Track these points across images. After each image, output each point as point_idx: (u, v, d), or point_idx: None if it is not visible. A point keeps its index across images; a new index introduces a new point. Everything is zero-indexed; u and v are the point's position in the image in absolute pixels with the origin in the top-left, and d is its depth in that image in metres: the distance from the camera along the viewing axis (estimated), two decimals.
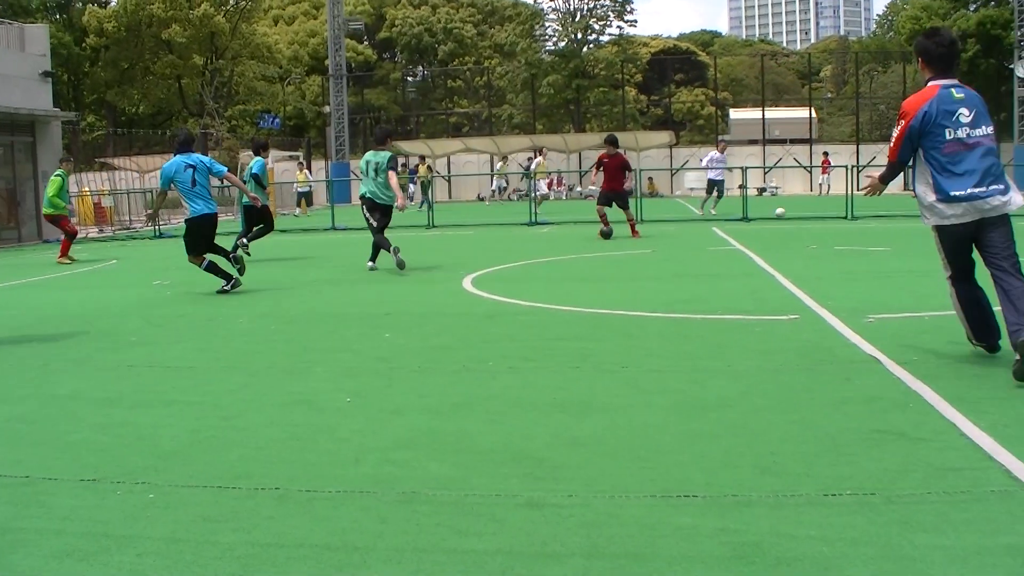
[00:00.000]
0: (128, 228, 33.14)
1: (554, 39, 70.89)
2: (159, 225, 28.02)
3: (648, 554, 3.85)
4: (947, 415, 5.77)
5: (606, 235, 20.71)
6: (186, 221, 13.41)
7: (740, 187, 28.45)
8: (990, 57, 51.63)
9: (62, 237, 21.07)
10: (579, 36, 67.41)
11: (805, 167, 47.42)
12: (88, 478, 5.08)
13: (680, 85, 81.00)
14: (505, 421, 5.99)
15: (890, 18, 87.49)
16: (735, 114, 67.00)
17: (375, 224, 15.16)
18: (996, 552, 3.76)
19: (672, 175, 51.14)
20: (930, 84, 7.11)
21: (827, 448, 5.20)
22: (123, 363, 8.37)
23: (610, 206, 20.91)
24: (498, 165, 52.54)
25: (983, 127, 6.98)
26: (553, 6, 68.85)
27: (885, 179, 7.64)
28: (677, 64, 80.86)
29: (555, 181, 50.51)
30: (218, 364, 8.25)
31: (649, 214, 27.18)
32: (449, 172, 55.33)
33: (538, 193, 37.20)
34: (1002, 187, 6.91)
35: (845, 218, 26.10)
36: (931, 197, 7.02)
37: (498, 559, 3.83)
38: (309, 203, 40.16)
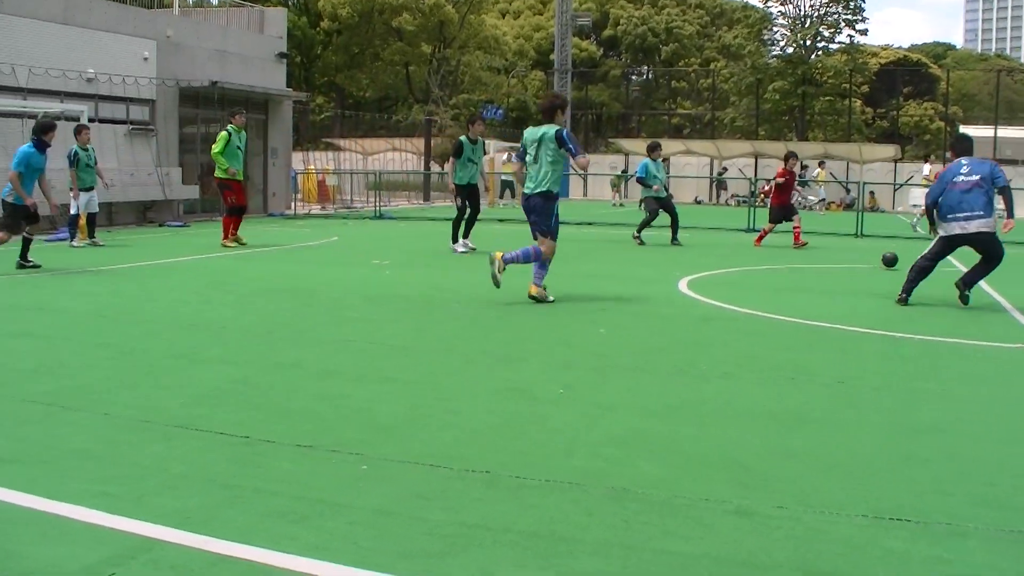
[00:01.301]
0: (349, 207, 34.00)
1: (782, 44, 69.79)
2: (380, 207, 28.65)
3: (857, 574, 3.79)
4: None
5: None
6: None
7: None
8: None
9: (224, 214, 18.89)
10: (807, 42, 66.17)
11: None
12: (305, 444, 5.28)
13: (908, 98, 78.78)
14: (717, 427, 5.96)
15: None
16: (964, 130, 64.79)
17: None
18: None
19: (895, 190, 49.78)
20: None
21: None
22: (343, 338, 8.64)
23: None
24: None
25: None
26: (783, 11, 67.68)
27: None
28: (907, 76, 78.55)
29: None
30: (435, 346, 8.43)
31: (870, 229, 26.57)
32: (669, 173, 55.01)
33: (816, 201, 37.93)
34: None
35: None
36: None
37: (704, 563, 3.83)
38: (513, 194, 40.42)
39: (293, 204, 31.65)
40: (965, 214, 11.49)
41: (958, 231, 11.58)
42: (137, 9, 26.74)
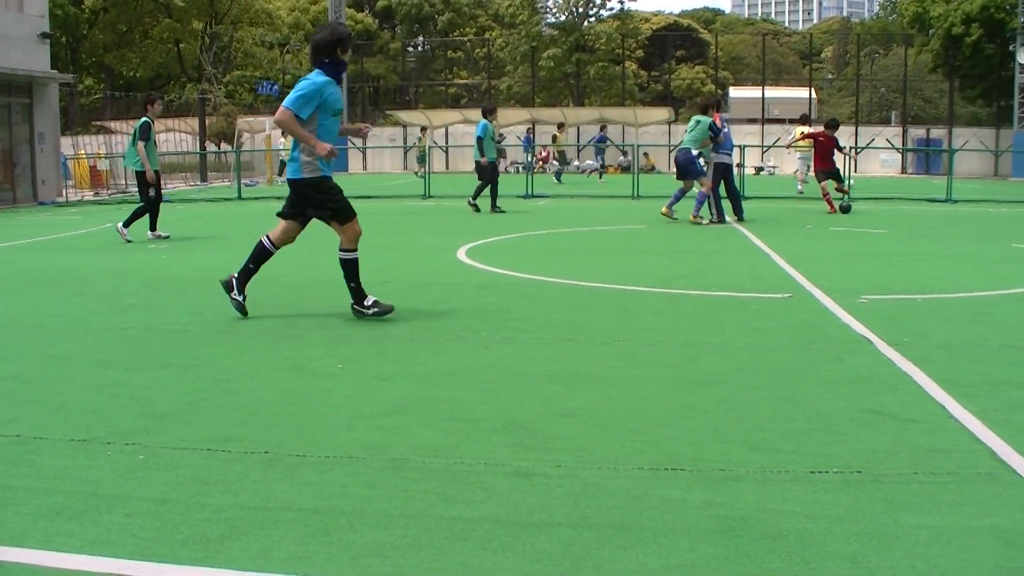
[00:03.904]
0: (124, 192, 33.06)
1: (554, 12, 70.57)
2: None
3: (634, 525, 3.87)
4: (937, 397, 5.79)
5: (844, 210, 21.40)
6: None
7: (738, 166, 28.41)
8: (992, 42, 51.38)
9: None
10: (580, 9, 67.06)
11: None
12: (79, 438, 5.09)
13: (680, 62, 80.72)
14: (497, 391, 6.01)
15: (893, 0, 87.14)
16: (735, 92, 66.80)
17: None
18: (980, 533, 3.78)
19: (670, 151, 50.91)
20: None
21: (816, 426, 5.23)
22: (119, 326, 8.37)
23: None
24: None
25: None
26: None
27: None
28: (678, 41, 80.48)
29: (550, 155, 50.36)
30: (212, 328, 8.26)
31: (646, 190, 27.18)
32: (447, 143, 55.11)
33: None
34: None
35: (841, 199, 26.06)
36: None
37: (485, 527, 3.85)
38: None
39: (64, 191, 30.58)
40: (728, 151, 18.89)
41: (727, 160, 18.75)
42: None
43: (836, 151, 21.20)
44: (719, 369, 6.57)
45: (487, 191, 21.59)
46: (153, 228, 16.01)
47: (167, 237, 15.76)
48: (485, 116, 21.60)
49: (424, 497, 4.17)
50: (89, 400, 5.91)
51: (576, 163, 48.36)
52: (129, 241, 15.30)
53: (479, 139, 21.41)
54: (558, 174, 38.85)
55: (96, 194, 32.59)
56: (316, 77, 8.20)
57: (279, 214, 8.73)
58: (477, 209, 21.41)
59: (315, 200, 8.43)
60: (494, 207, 21.40)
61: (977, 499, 4.16)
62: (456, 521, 3.91)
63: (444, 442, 4.94)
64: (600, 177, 41.12)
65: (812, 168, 22.77)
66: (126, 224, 15.67)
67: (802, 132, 28.60)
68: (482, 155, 21.34)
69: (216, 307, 9.19)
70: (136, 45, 57.76)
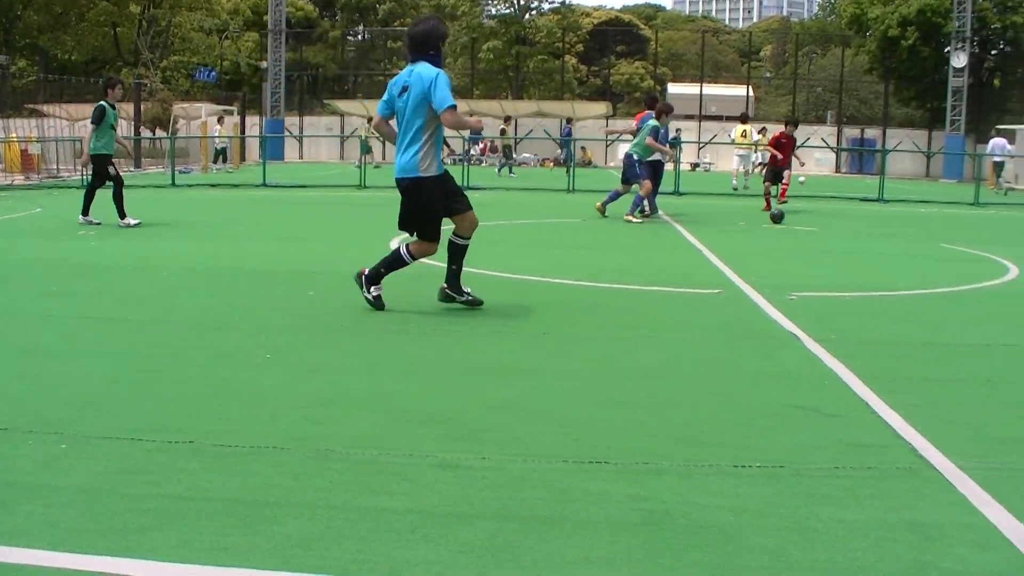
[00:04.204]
0: (56, 177, 32.64)
1: (495, 4, 70.53)
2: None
3: (558, 517, 3.88)
4: (860, 393, 5.87)
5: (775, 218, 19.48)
6: None
7: (673, 161, 28.61)
8: (928, 45, 52.00)
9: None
10: (521, 2, 67.11)
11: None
12: None
13: (620, 57, 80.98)
14: (424, 382, 6.01)
15: (832, 1, 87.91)
16: (673, 88, 67.06)
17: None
18: (897, 527, 3.84)
19: (607, 146, 51.14)
20: None
21: (741, 421, 5.28)
22: (44, 313, 8.25)
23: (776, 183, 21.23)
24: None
25: None
26: None
27: None
28: (618, 36, 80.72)
29: (487, 148, 50.37)
30: (139, 316, 8.17)
31: (581, 184, 27.26)
32: None
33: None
34: None
35: (773, 195, 26.32)
36: None
37: (408, 518, 3.84)
38: (225, 159, 39.50)
39: None
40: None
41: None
42: None
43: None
44: (646, 363, 6.61)
45: None
46: (86, 212, 15.81)
47: (99, 224, 15.55)
48: None
49: (349, 488, 4.16)
50: (10, 389, 5.81)
51: (527, 155, 48.54)
52: (135, 225, 15.15)
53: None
54: (508, 167, 38.73)
55: (27, 178, 32.13)
56: (438, 68, 8.18)
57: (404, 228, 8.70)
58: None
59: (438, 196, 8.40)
60: None
61: (896, 493, 4.22)
62: (380, 512, 3.90)
63: (370, 433, 4.93)
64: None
65: (762, 166, 23.03)
66: (120, 214, 15.42)
67: (742, 132, 28.96)
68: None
69: (143, 295, 9.11)
70: (72, 27, 56.96)
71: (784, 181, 21.32)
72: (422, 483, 4.23)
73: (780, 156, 21.26)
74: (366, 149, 38.10)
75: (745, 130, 30.82)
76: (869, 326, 8.14)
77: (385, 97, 8.54)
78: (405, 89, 8.24)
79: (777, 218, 18.73)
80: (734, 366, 6.62)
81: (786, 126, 22.06)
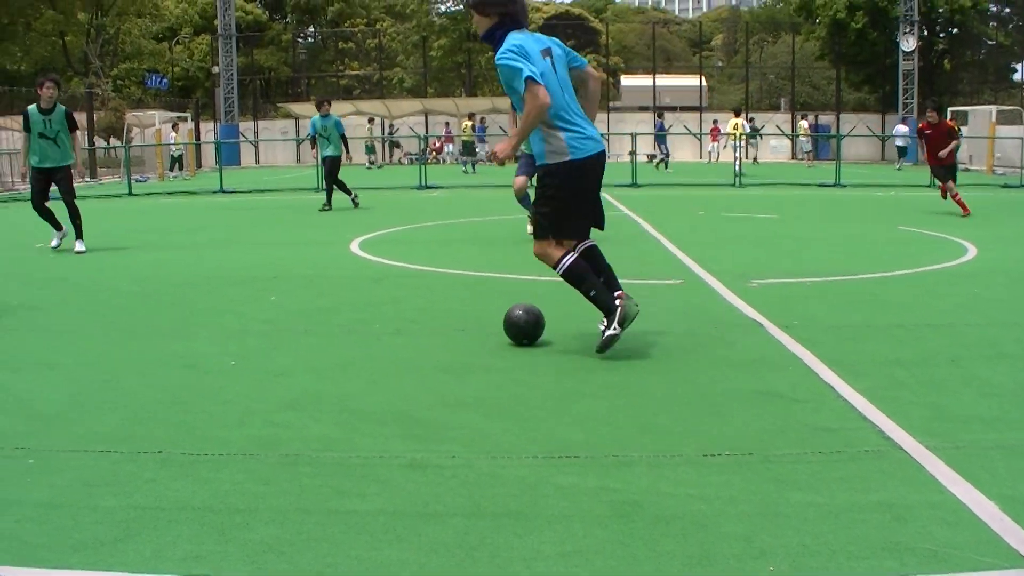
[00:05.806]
0: (10, 190, 32.34)
1: (445, 2, 70.47)
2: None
3: (529, 513, 3.89)
4: (825, 378, 5.91)
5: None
6: None
7: (630, 153, 28.69)
8: (877, 29, 52.32)
9: None
10: None
11: (695, 134, 47.74)
12: None
13: (573, 50, 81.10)
14: (389, 383, 6.01)
15: None
16: (626, 81, 67.29)
17: None
18: (867, 508, 3.87)
19: None
20: None
21: (708, 409, 5.31)
22: (1, 326, 8.18)
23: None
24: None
25: None
26: None
27: None
28: (569, 30, 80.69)
29: (443, 146, 50.30)
30: (100, 327, 8.11)
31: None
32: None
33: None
34: None
35: (733, 185, 26.49)
36: None
37: (380, 519, 3.84)
38: (181, 166, 39.25)
39: None
40: None
41: None
42: None
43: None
44: (610, 355, 6.60)
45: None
46: (59, 228, 14.57)
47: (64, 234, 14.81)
48: (318, 110, 21.04)
49: (319, 492, 4.15)
50: None
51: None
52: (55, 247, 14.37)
53: (312, 137, 20.91)
54: (472, 164, 38.65)
55: None
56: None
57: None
58: (356, 206, 20.50)
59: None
60: (327, 204, 20.28)
61: (864, 476, 4.25)
62: (351, 515, 3.90)
63: (338, 436, 4.92)
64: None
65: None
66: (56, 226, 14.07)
67: (736, 124, 29.19)
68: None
69: (102, 304, 9.05)
70: (19, 37, 56.43)
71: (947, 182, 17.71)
72: (392, 484, 4.23)
73: (943, 154, 17.36)
74: (370, 150, 38.03)
75: (737, 123, 31.24)
76: (831, 310, 8.20)
77: (540, 68, 6.91)
78: (548, 52, 7.12)
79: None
80: (698, 355, 6.66)
81: (927, 112, 18.02)
